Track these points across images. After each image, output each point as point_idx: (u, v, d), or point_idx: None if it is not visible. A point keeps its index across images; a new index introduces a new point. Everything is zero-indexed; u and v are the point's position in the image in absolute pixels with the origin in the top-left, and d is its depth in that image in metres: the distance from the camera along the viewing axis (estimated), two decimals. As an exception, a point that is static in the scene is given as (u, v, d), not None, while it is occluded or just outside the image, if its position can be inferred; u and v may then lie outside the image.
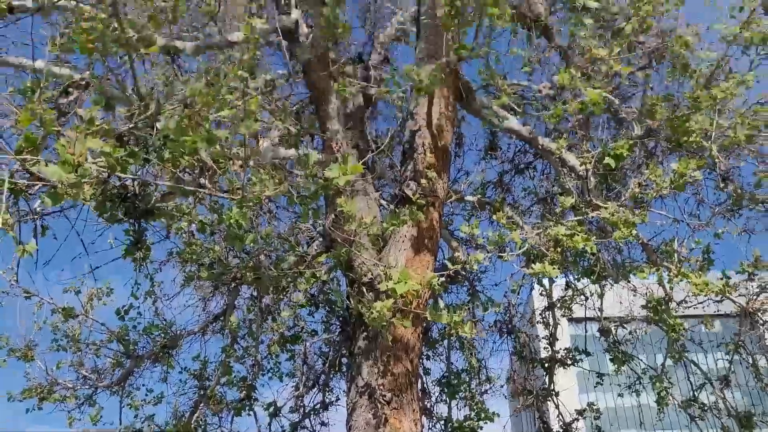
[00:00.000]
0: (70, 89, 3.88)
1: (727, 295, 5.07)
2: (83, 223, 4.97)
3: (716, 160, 4.71)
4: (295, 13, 5.14)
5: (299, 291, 5.82)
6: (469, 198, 6.67)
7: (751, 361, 6.95)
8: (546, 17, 6.41)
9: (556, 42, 6.71)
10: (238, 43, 4.98)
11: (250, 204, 4.02)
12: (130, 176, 3.25)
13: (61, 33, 4.92)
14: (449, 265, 4.46)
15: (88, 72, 3.77)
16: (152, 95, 3.79)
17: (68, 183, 2.50)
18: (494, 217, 4.47)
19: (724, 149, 5.15)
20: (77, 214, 4.55)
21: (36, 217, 4.21)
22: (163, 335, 6.72)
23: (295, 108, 6.32)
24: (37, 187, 3.58)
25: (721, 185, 5.44)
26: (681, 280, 4.89)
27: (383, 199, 6.53)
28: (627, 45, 5.41)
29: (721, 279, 5.28)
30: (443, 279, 4.53)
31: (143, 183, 4.16)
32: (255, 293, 6.80)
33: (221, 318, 6.91)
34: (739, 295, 5.61)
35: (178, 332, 6.87)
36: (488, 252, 4.73)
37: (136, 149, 3.35)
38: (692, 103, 4.58)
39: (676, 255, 5.08)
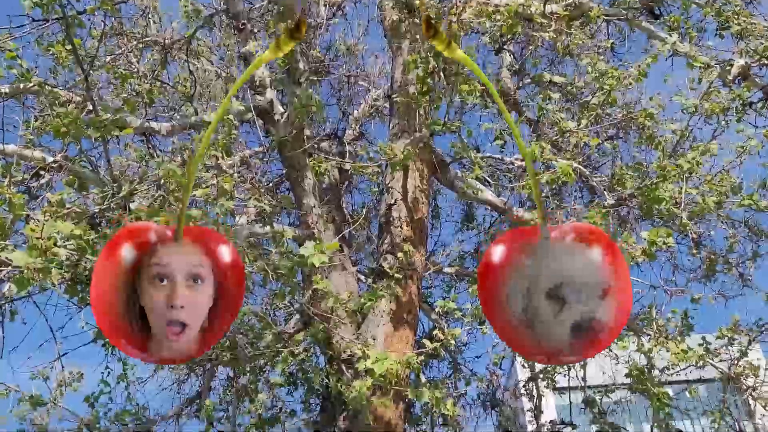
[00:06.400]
0: (42, 172, 3.86)
1: (708, 361, 5.04)
2: (53, 308, 4.84)
3: (687, 227, 4.78)
4: (270, 93, 5.24)
5: (277, 371, 5.68)
6: (447, 270, 6.65)
7: (737, 427, 6.84)
8: (515, 92, 6.61)
9: (526, 115, 6.91)
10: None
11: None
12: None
13: (35, 116, 4.95)
14: (428, 343, 4.39)
15: (60, 154, 3.76)
16: (125, 176, 3.78)
17: (35, 268, 2.45)
18: (471, 290, 4.45)
19: (695, 216, 5.24)
20: (47, 299, 4.44)
21: (5, 302, 4.10)
22: (136, 421, 6.44)
23: (270, 185, 6.35)
24: (4, 272, 3.50)
25: (694, 251, 5.51)
26: (660, 349, 4.86)
27: (361, 273, 6.48)
28: (594, 117, 5.58)
29: (701, 345, 5.27)
30: (423, 357, 4.45)
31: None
32: (231, 374, 6.61)
33: (196, 401, 6.67)
34: (721, 361, 5.58)
35: (152, 417, 6.60)
36: (467, 325, 4.69)
37: (108, 231, 3.31)
38: (660, 173, 4.69)
39: (655, 323, 5.06)
